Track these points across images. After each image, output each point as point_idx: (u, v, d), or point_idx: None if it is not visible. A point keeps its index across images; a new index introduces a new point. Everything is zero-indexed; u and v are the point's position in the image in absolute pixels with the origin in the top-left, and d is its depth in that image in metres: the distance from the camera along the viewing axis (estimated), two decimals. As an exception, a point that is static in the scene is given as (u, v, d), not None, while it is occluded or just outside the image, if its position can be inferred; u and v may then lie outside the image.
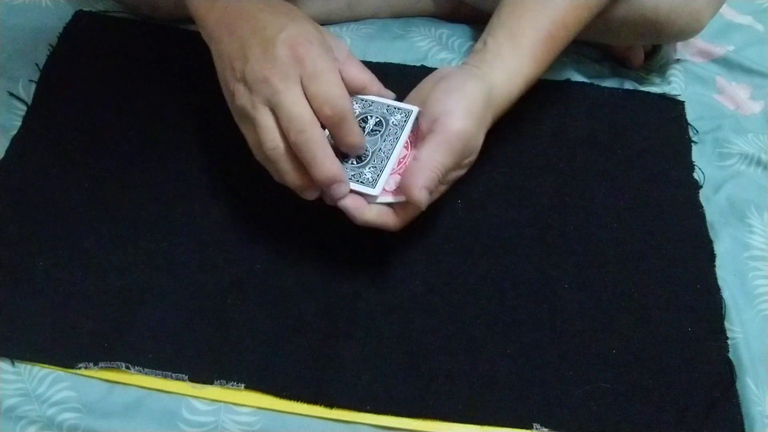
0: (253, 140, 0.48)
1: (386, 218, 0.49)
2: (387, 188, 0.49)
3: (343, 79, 0.48)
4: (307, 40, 0.46)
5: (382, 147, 0.50)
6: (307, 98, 0.46)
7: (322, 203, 0.50)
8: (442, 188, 0.50)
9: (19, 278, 0.53)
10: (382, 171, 0.49)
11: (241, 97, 0.47)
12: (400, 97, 0.53)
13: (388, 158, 0.49)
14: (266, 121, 0.46)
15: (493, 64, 0.52)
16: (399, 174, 0.49)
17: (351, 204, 0.47)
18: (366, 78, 0.51)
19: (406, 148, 0.51)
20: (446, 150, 0.47)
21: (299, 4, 0.70)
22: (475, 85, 0.50)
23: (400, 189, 0.48)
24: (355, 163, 0.49)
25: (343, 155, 0.49)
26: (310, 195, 0.48)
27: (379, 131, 0.50)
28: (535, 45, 0.53)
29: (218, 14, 0.50)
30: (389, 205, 0.49)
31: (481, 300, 0.55)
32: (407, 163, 0.50)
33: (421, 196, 0.46)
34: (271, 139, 0.46)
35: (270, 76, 0.45)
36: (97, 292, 0.53)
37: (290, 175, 0.47)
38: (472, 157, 0.50)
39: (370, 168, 0.49)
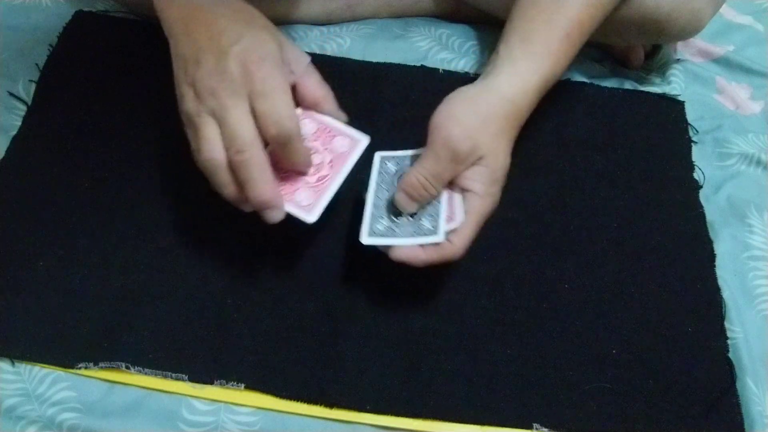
0: (194, 145, 0.47)
1: (430, 252, 0.49)
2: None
3: (298, 93, 0.48)
4: (260, 57, 0.45)
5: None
6: (253, 116, 0.45)
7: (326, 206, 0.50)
8: (439, 187, 0.49)
9: (19, 278, 0.53)
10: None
11: (188, 102, 0.47)
12: (398, 97, 0.53)
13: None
14: (209, 132, 0.45)
15: (502, 69, 0.51)
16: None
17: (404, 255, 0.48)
18: (320, 94, 0.50)
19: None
20: (430, 155, 0.48)
21: (299, 5, 0.70)
22: (467, 93, 0.50)
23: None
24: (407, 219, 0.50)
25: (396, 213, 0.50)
26: (247, 208, 0.47)
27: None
28: (551, 44, 0.52)
29: (177, 11, 0.49)
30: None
31: (481, 300, 0.55)
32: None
33: (398, 197, 0.49)
34: (210, 149, 0.45)
35: (218, 90, 0.45)
36: (97, 292, 0.53)
37: (227, 188, 0.46)
38: (479, 159, 0.49)
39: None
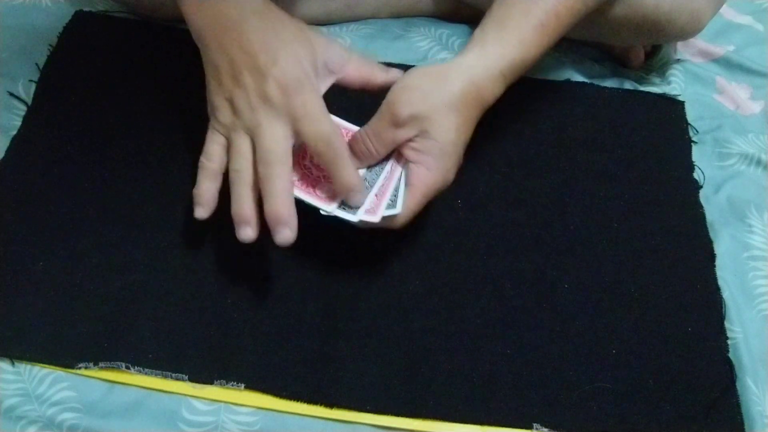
0: (217, 152, 0.50)
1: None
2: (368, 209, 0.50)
3: (346, 84, 0.52)
4: (298, 81, 0.48)
5: (368, 178, 0.51)
6: (297, 138, 0.48)
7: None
8: (379, 147, 0.51)
9: (19, 278, 0.53)
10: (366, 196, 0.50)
11: (225, 115, 0.50)
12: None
13: (371, 186, 0.51)
14: (243, 146, 0.48)
15: (471, 50, 0.52)
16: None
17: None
18: (365, 74, 0.53)
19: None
20: (376, 116, 0.50)
21: (299, 5, 0.70)
22: (431, 67, 0.51)
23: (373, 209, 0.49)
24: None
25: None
26: (244, 233, 0.48)
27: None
28: (523, 31, 0.52)
29: (206, 19, 0.50)
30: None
31: (481, 300, 0.55)
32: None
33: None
34: (241, 162, 0.48)
35: (259, 111, 0.48)
36: (97, 292, 0.53)
37: (244, 203, 0.48)
38: (425, 131, 0.49)
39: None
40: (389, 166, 0.52)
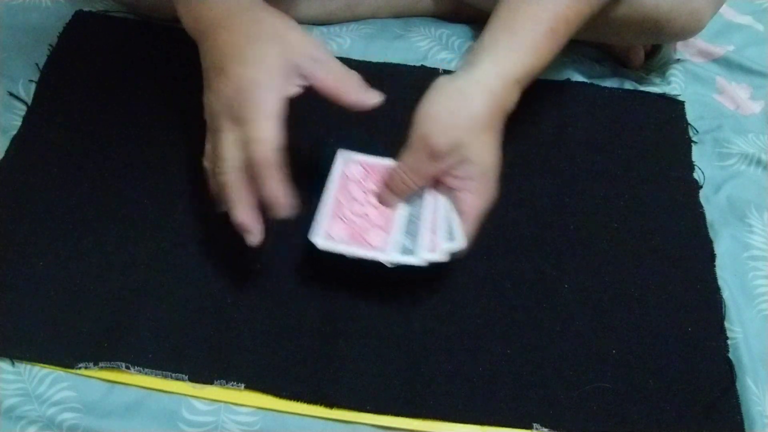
0: (206, 151, 0.50)
1: None
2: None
3: (318, 91, 0.48)
4: (253, 84, 0.46)
5: (413, 213, 0.51)
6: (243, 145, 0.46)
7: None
8: (419, 181, 0.50)
9: (19, 278, 0.53)
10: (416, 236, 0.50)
11: (206, 115, 0.50)
12: (398, 97, 0.53)
13: (420, 222, 0.50)
14: (208, 146, 0.49)
15: (485, 60, 0.51)
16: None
17: None
18: (332, 86, 0.49)
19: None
20: (410, 151, 0.49)
21: (299, 5, 0.70)
22: (449, 88, 0.49)
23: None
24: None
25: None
26: (247, 239, 0.48)
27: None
28: (536, 37, 0.52)
29: (191, 21, 0.51)
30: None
31: (481, 300, 0.55)
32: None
33: (381, 192, 0.52)
34: (206, 159, 0.49)
35: (220, 115, 0.47)
36: (97, 292, 0.53)
37: (234, 194, 0.48)
38: (465, 157, 0.49)
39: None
40: (428, 196, 0.51)
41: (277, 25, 0.49)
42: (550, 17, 0.52)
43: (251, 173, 0.46)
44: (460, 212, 0.50)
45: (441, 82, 0.50)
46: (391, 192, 0.51)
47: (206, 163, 0.50)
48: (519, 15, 0.52)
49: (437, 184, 0.51)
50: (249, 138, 0.45)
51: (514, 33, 0.51)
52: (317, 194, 0.51)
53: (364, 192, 0.52)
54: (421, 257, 0.48)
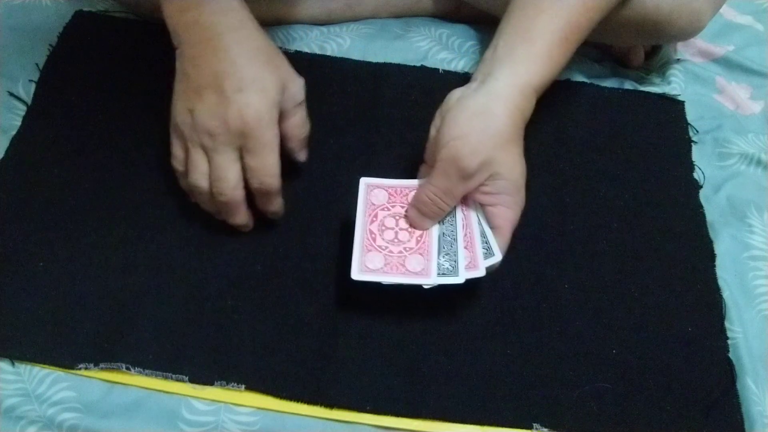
0: (178, 157, 0.53)
1: None
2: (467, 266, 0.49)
3: (281, 123, 0.52)
4: (258, 114, 0.49)
5: (445, 231, 0.51)
6: (241, 165, 0.51)
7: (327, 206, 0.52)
8: (451, 202, 0.50)
9: (19, 278, 0.53)
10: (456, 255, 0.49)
11: (184, 123, 0.51)
12: (398, 97, 0.53)
13: (455, 240, 0.50)
14: (199, 163, 0.51)
15: (503, 71, 0.50)
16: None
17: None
18: (292, 133, 0.54)
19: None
20: (439, 173, 0.49)
21: (299, 5, 0.70)
22: (471, 104, 0.49)
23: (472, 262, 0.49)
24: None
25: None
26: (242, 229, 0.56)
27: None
28: (551, 47, 0.52)
29: (183, 25, 0.51)
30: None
31: (481, 300, 0.55)
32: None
33: (411, 214, 0.51)
34: (198, 178, 0.52)
35: (216, 134, 0.49)
36: (97, 292, 0.53)
37: (205, 206, 0.54)
38: (495, 173, 0.49)
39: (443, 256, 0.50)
40: (459, 213, 0.51)
41: (271, 53, 0.52)
42: (563, 26, 0.52)
43: (257, 194, 0.53)
44: (494, 227, 0.50)
45: (462, 99, 0.50)
46: (423, 216, 0.50)
47: (177, 166, 0.53)
48: (534, 24, 0.52)
49: (464, 198, 0.51)
50: (259, 166, 0.50)
51: (531, 43, 0.51)
52: (346, 227, 0.53)
53: (394, 218, 0.51)
54: (461, 276, 0.48)
